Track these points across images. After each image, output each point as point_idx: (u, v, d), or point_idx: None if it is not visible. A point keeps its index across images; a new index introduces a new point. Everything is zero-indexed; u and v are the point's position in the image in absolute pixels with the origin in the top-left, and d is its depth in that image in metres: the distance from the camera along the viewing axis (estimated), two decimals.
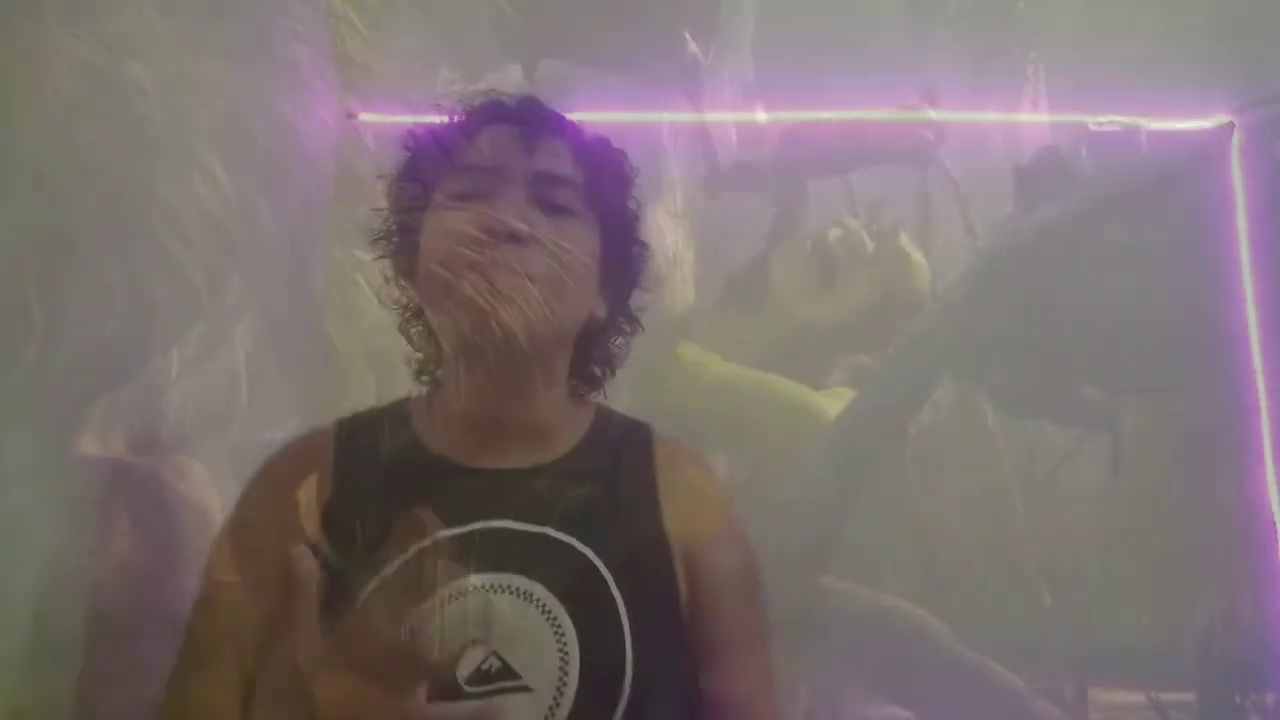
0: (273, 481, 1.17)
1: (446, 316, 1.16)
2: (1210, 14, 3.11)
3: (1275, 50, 2.80)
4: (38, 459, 1.33)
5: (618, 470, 1.20)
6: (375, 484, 1.14)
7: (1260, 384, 2.25)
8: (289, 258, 1.92)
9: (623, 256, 1.25)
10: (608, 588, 1.10)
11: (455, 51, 2.45)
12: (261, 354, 1.78)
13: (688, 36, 3.88)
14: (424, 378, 1.24)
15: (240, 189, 1.77)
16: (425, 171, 1.22)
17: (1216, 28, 3.25)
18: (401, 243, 1.23)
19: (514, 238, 1.12)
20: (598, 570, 1.11)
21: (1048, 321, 3.57)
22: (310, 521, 1.08)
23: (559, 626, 1.08)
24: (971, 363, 4.09)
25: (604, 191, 1.22)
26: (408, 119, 2.22)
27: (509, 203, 1.15)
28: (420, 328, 1.25)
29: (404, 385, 1.27)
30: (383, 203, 1.26)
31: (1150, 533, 4.01)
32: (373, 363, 2.04)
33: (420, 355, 1.25)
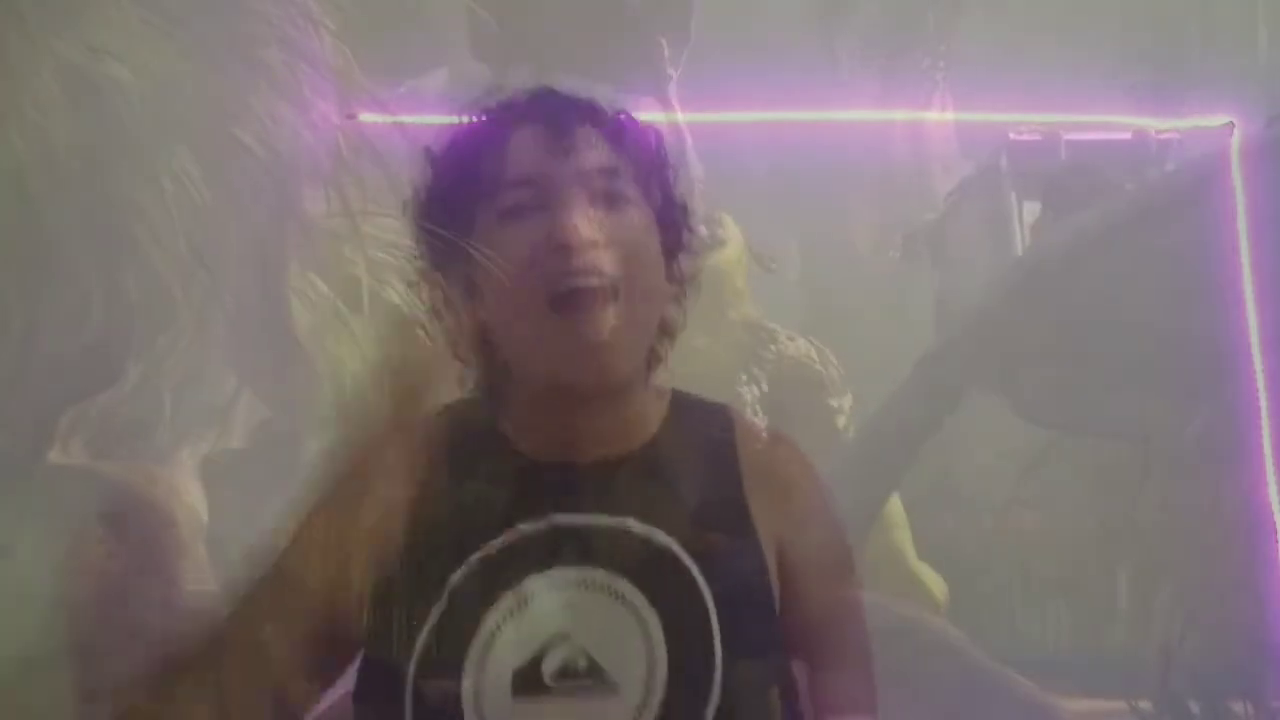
0: (382, 459, 1.09)
1: (531, 359, 1.09)
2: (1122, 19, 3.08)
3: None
4: (11, 467, 1.30)
5: (698, 456, 1.15)
6: (456, 475, 1.09)
7: (1260, 384, 2.22)
8: (262, 264, 1.90)
9: (674, 227, 1.17)
10: (695, 581, 1.05)
11: (435, 54, 2.44)
12: (233, 362, 1.76)
13: (664, 43, 3.85)
14: (484, 392, 1.15)
15: (218, 193, 1.75)
16: (459, 191, 1.13)
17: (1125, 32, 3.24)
18: (455, 269, 1.13)
19: (584, 246, 1.05)
20: (683, 563, 1.06)
21: (1079, 330, 3.54)
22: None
23: (645, 625, 1.03)
24: (999, 373, 4.05)
25: (645, 168, 1.15)
26: (407, 119, 2.21)
27: (570, 208, 1.07)
28: (478, 345, 1.14)
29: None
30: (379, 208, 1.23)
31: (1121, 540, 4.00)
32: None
33: (481, 377, 1.14)
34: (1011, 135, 3.44)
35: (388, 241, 1.91)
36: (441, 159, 1.16)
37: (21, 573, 1.38)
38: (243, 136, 1.76)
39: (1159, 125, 2.53)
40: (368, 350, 1.98)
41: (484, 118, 1.15)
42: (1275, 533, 2.18)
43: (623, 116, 1.17)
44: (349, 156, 1.95)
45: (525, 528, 1.05)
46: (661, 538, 1.06)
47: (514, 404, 1.14)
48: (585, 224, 1.06)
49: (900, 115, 2.60)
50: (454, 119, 1.18)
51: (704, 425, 1.18)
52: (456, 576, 1.02)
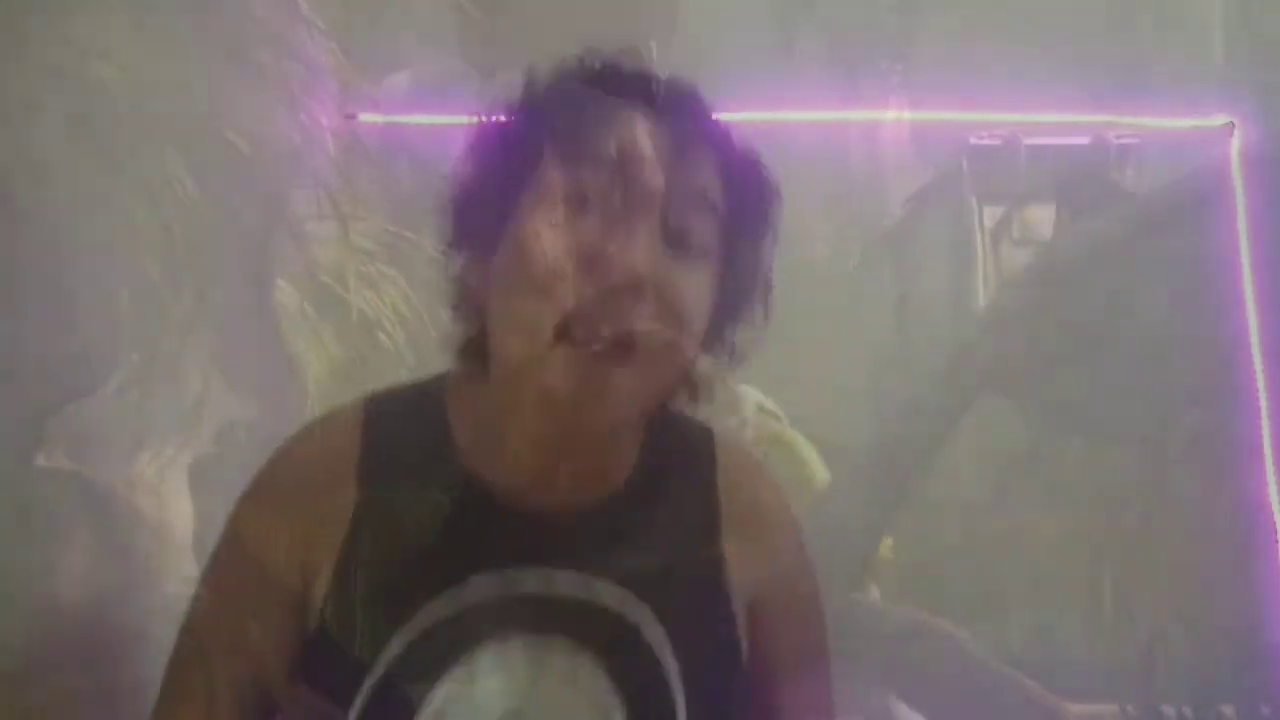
0: (284, 480, 1.00)
1: (519, 373, 0.91)
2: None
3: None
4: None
5: (676, 499, 1.02)
6: (402, 503, 0.96)
7: (1260, 384, 2.20)
8: (251, 267, 1.88)
9: (743, 296, 0.99)
10: (661, 658, 0.96)
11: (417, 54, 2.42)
12: (219, 365, 1.74)
13: (653, 46, 3.79)
14: (465, 359, 0.99)
15: (207, 195, 1.73)
16: (533, 136, 0.92)
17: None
18: (481, 218, 0.95)
19: (633, 289, 0.87)
20: (646, 638, 0.96)
21: (1098, 335, 3.51)
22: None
23: (604, 708, 0.95)
24: (1016, 379, 4.01)
25: (742, 223, 0.95)
26: (408, 119, 2.21)
27: (636, 241, 0.87)
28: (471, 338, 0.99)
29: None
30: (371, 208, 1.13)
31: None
32: (335, 375, 1.99)
33: (461, 351, 0.99)
34: (972, 140, 3.43)
35: (368, 249, 1.89)
36: (523, 104, 0.96)
37: (7, 579, 1.36)
38: (233, 138, 1.74)
39: (1157, 125, 2.50)
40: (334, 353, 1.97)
41: (601, 78, 0.94)
42: (1275, 533, 2.13)
43: (743, 152, 0.97)
44: (340, 157, 1.93)
45: (480, 583, 0.93)
46: (631, 608, 0.96)
47: (485, 398, 0.99)
48: (646, 265, 0.87)
49: (861, 115, 2.57)
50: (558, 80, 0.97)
51: (684, 452, 1.05)
52: (395, 645, 0.91)
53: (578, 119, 0.90)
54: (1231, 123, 2.35)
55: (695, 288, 0.91)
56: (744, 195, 0.94)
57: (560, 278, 0.86)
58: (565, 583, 0.95)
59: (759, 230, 0.97)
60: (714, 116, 0.94)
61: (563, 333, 0.86)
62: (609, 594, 0.95)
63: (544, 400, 0.89)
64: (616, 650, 0.94)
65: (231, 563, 1.00)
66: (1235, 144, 2.33)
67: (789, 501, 1.09)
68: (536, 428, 0.92)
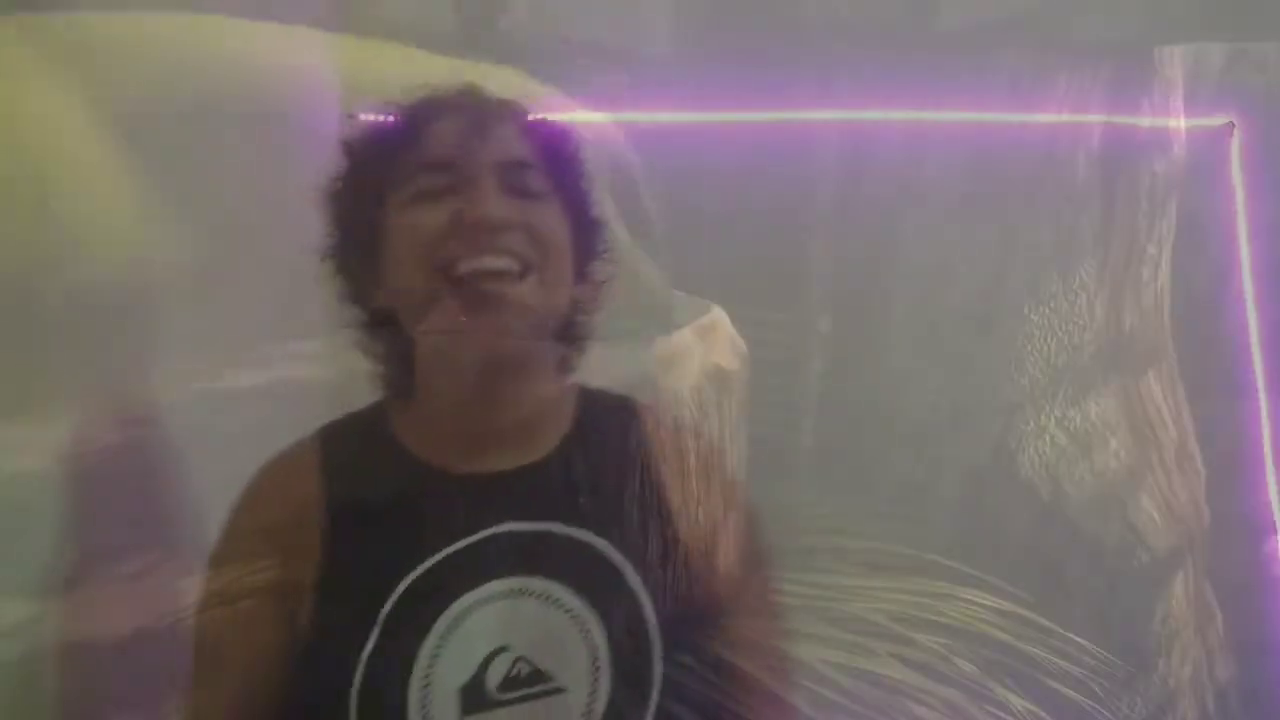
0: (259, 500, 1.12)
1: (427, 333, 1.11)
2: None
3: None
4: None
5: (612, 453, 1.17)
6: (366, 499, 1.10)
7: (1260, 384, 2.22)
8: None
9: (588, 233, 1.20)
10: (623, 576, 1.08)
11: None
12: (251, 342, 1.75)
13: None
14: (391, 392, 1.17)
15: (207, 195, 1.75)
16: (371, 175, 1.16)
17: None
18: (355, 254, 1.16)
19: (494, 227, 1.08)
20: (610, 560, 1.08)
21: None
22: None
23: (583, 623, 1.06)
24: None
25: (561, 170, 1.17)
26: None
27: (485, 194, 1.10)
28: (385, 339, 1.17)
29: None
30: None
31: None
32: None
33: (384, 369, 1.17)
34: None
35: None
36: (358, 144, 1.19)
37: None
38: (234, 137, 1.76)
39: (1156, 123, 2.52)
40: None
41: (407, 112, 1.17)
42: (1275, 532, 2.16)
43: (543, 116, 1.21)
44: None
45: (450, 547, 1.06)
46: (588, 537, 1.08)
47: (418, 406, 1.15)
48: (497, 207, 1.08)
49: (858, 116, 2.57)
50: (377, 113, 1.21)
51: (611, 421, 1.20)
52: (386, 608, 1.02)
53: (417, 134, 1.13)
54: (1231, 123, 2.37)
55: (548, 220, 1.12)
56: (553, 148, 1.17)
57: (442, 236, 1.05)
58: (526, 528, 1.07)
59: (575, 167, 1.19)
60: (504, 101, 1.18)
61: (453, 275, 1.04)
62: (565, 530, 1.08)
63: (461, 344, 1.06)
64: (582, 574, 1.06)
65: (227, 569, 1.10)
66: (1235, 144, 2.36)
67: (713, 449, 1.24)
68: (461, 370, 1.09)
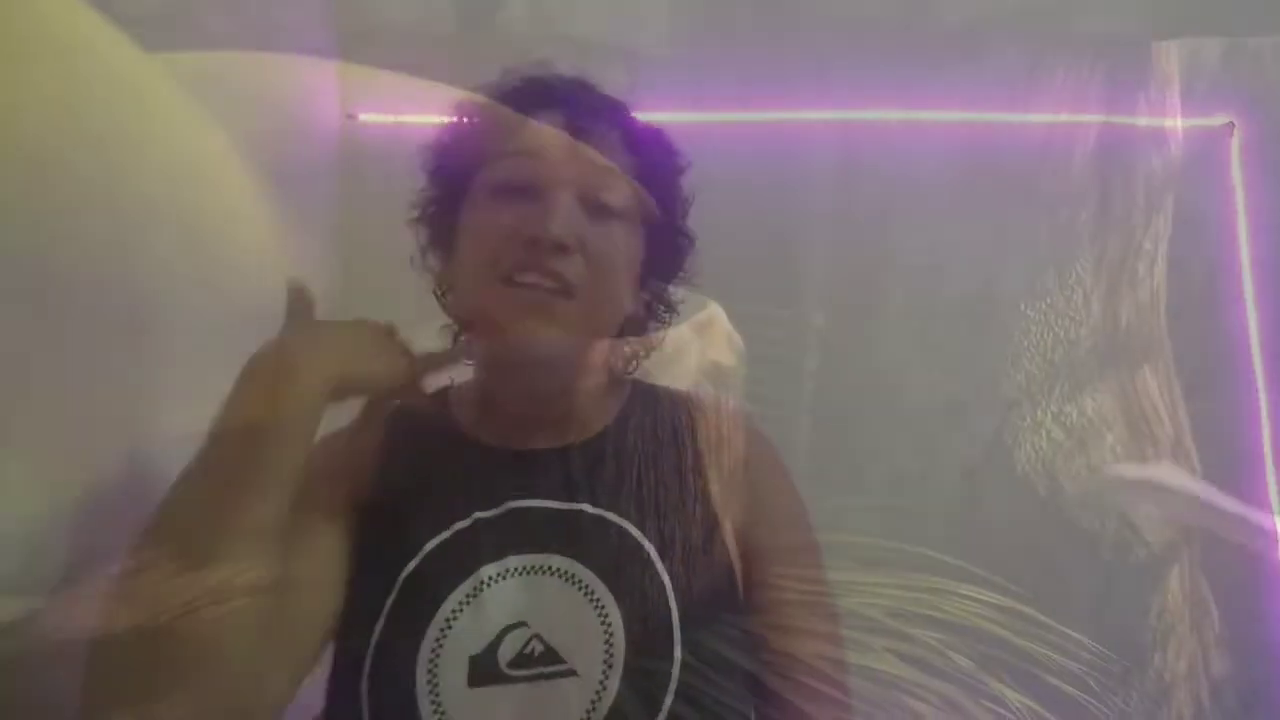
0: (328, 451, 1.13)
1: (479, 335, 1.16)
2: None
3: None
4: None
5: (656, 442, 1.18)
6: (412, 466, 1.13)
7: (1260, 383, 2.22)
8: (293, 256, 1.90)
9: (669, 251, 1.22)
10: (652, 563, 1.08)
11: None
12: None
13: None
14: (459, 341, 1.22)
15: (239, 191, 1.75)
16: (470, 149, 1.17)
17: None
18: (439, 219, 1.20)
19: (553, 248, 1.09)
20: (640, 544, 1.09)
21: None
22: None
23: (602, 606, 1.05)
24: None
25: (654, 183, 1.18)
26: (409, 119, 2.23)
27: (555, 206, 1.10)
28: (456, 305, 1.22)
29: None
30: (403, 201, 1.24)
31: None
32: None
33: (454, 322, 1.22)
34: None
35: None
36: (464, 116, 1.20)
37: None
38: (238, 137, 1.76)
39: (1154, 123, 2.52)
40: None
41: (515, 93, 1.17)
42: (1275, 532, 2.15)
43: (648, 129, 1.20)
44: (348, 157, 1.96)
45: (480, 515, 1.07)
46: (616, 520, 1.09)
47: (475, 387, 1.19)
48: (563, 226, 1.09)
49: (855, 115, 2.57)
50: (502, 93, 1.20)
51: (664, 411, 1.20)
52: (410, 566, 1.04)
53: (501, 128, 1.14)
54: (1231, 122, 2.37)
55: (620, 244, 1.13)
56: (651, 162, 1.17)
57: (503, 244, 1.08)
58: (555, 505, 1.09)
59: (671, 186, 1.20)
60: (615, 102, 1.18)
61: (506, 279, 1.08)
62: (594, 511, 1.09)
63: (503, 330, 1.09)
64: (607, 556, 1.07)
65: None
66: (1235, 144, 2.36)
67: (770, 447, 1.24)
68: (508, 363, 1.12)
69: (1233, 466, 2.26)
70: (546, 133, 1.14)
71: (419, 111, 1.86)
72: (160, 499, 0.99)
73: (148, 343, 1.41)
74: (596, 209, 1.13)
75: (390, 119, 2.18)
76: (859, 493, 2.39)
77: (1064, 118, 2.61)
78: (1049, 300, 2.59)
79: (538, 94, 1.18)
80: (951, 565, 2.37)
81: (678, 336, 2.53)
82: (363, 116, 2.19)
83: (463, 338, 1.22)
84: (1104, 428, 2.52)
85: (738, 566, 1.13)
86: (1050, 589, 2.38)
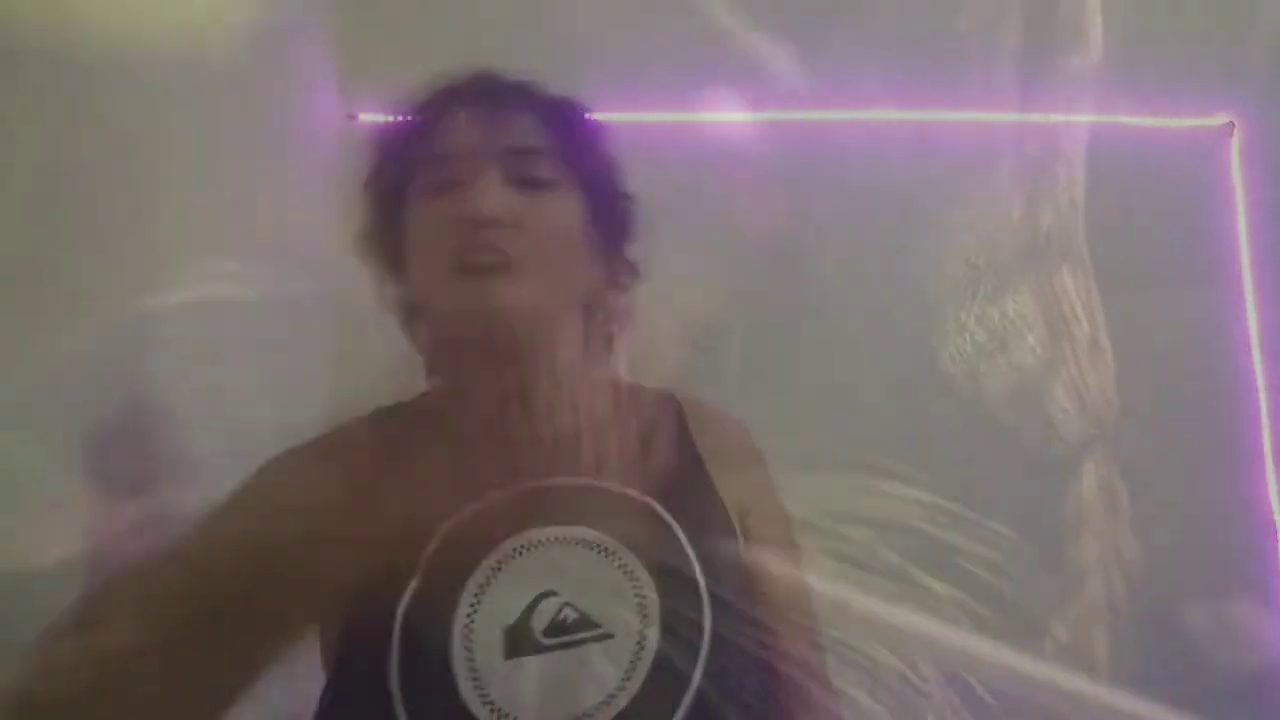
0: (316, 460, 1.13)
1: (442, 324, 1.15)
2: None
3: None
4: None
5: (656, 432, 1.19)
6: (414, 450, 1.11)
7: (1260, 384, 2.26)
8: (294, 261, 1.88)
9: (610, 214, 1.23)
10: (676, 537, 1.09)
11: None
12: (262, 355, 1.72)
13: None
14: (433, 377, 1.21)
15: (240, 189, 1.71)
16: (399, 168, 1.19)
17: None
18: (387, 243, 1.20)
19: (486, 222, 1.10)
20: (663, 519, 1.10)
21: None
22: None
23: (633, 575, 1.05)
24: None
25: (577, 153, 1.19)
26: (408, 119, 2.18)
27: (483, 187, 1.12)
28: (417, 328, 1.23)
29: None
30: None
31: None
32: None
33: (425, 356, 1.22)
34: None
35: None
36: (385, 139, 1.22)
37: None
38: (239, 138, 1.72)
39: (1155, 123, 2.48)
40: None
41: (429, 101, 1.19)
42: (1275, 532, 2.23)
43: (560, 100, 1.21)
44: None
45: (494, 495, 1.06)
46: (639, 495, 1.09)
47: (465, 386, 1.16)
48: (492, 202, 1.10)
49: (852, 115, 2.53)
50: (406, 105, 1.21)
51: (653, 407, 1.22)
52: (430, 549, 1.03)
53: (416, 140, 1.16)
54: (1231, 123, 2.37)
55: (548, 212, 1.14)
56: (569, 132, 1.18)
57: (442, 235, 1.09)
58: (574, 481, 1.08)
59: (594, 149, 1.21)
60: (522, 84, 1.19)
61: (459, 276, 1.08)
62: (616, 487, 1.09)
63: (465, 320, 1.09)
64: (631, 525, 1.07)
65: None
66: (1235, 144, 2.36)
67: (751, 440, 1.27)
68: (479, 357, 1.10)
69: (1233, 466, 2.27)
70: (459, 128, 1.16)
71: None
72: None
73: None
74: (524, 183, 1.15)
75: (390, 119, 2.15)
76: (791, 398, 2.45)
77: (1064, 117, 2.56)
78: (972, 204, 2.63)
79: (445, 97, 1.20)
80: (880, 466, 2.46)
81: None
82: (362, 116, 2.18)
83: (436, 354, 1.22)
84: (1024, 328, 2.59)
85: (743, 549, 1.16)
86: (973, 484, 2.48)
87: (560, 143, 1.18)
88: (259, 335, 1.71)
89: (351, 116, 2.14)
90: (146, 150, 1.43)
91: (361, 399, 1.22)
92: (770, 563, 1.17)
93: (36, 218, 1.21)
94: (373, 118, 2.11)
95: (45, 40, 1.34)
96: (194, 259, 1.49)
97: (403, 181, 1.17)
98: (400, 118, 1.22)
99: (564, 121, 1.20)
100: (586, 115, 1.23)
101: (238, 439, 1.50)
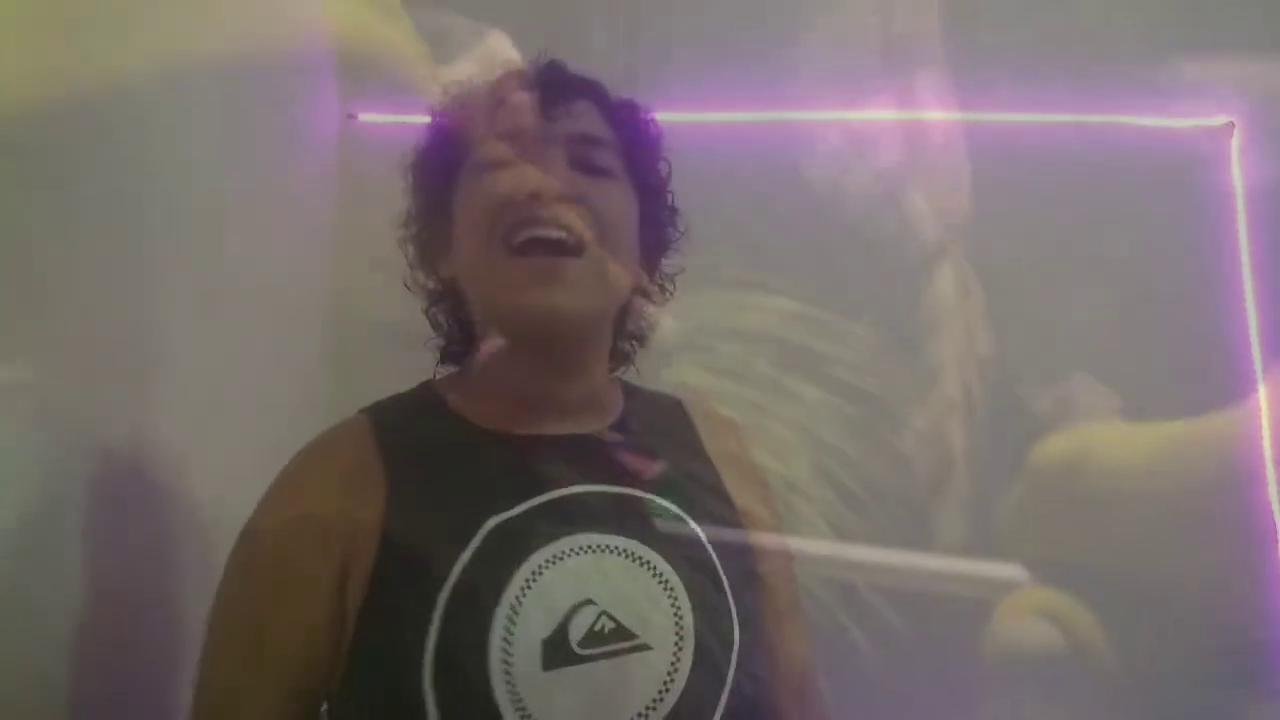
0: (314, 473, 1.10)
1: (490, 302, 1.12)
2: None
3: None
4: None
5: (667, 436, 1.19)
6: (433, 466, 1.08)
7: (1260, 385, 2.24)
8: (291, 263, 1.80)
9: (658, 221, 1.21)
10: (703, 545, 1.08)
11: None
12: (261, 353, 1.64)
13: None
14: (450, 361, 1.21)
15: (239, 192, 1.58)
16: (450, 146, 1.16)
17: None
18: (430, 223, 1.18)
19: (553, 198, 1.07)
20: (690, 527, 1.09)
21: None
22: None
23: (668, 583, 1.04)
24: None
25: (637, 153, 1.18)
26: (410, 119, 2.02)
27: (549, 165, 1.09)
28: (447, 307, 1.21)
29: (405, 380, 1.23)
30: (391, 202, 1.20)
31: None
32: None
33: (446, 339, 1.22)
34: None
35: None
36: (440, 117, 1.20)
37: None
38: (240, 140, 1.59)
39: (1155, 122, 2.41)
40: None
41: (489, 88, 1.17)
42: (1275, 532, 2.21)
43: (624, 100, 1.20)
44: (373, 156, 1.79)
45: (529, 503, 1.04)
46: (669, 505, 1.09)
47: (476, 374, 1.16)
48: (559, 177, 1.08)
49: (895, 115, 2.40)
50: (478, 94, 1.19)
51: (662, 413, 1.22)
52: (464, 557, 1.00)
53: (478, 119, 1.14)
54: (1231, 123, 2.33)
55: (611, 199, 1.13)
56: (634, 136, 1.19)
57: (502, 207, 1.07)
58: (602, 489, 1.08)
59: (652, 153, 1.21)
60: (587, 80, 1.18)
61: (512, 242, 1.06)
62: (644, 494, 1.09)
63: (512, 304, 1.08)
64: (661, 533, 1.07)
65: (262, 567, 1.07)
66: (1235, 144, 2.33)
67: (751, 448, 1.29)
68: (519, 335, 1.10)
69: (1232, 465, 2.26)
70: (524, 109, 1.14)
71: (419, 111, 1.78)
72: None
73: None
74: (586, 168, 1.13)
75: (390, 119, 2.12)
76: None
77: (1064, 118, 2.46)
78: (826, 15, 2.60)
79: (508, 83, 1.18)
80: (747, 279, 2.51)
81: (461, 72, 2.45)
82: (362, 116, 2.16)
83: (451, 348, 1.21)
84: (882, 133, 2.63)
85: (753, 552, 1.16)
86: (836, 291, 2.56)
87: (621, 140, 1.16)
88: (258, 336, 1.63)
89: (351, 116, 2.13)
90: (145, 149, 1.32)
91: (360, 399, 1.19)
92: (771, 572, 1.18)
93: (35, 216, 1.12)
94: (373, 118, 2.13)
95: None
96: (193, 260, 1.40)
97: (457, 157, 1.15)
98: (462, 98, 1.20)
99: (626, 120, 1.19)
100: (649, 118, 1.22)
101: (238, 439, 1.48)
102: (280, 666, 1.04)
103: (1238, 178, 2.35)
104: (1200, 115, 2.39)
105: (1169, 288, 2.37)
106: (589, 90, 1.19)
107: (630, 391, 1.24)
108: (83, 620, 1.15)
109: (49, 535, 1.12)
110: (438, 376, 1.22)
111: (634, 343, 1.24)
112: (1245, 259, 2.31)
